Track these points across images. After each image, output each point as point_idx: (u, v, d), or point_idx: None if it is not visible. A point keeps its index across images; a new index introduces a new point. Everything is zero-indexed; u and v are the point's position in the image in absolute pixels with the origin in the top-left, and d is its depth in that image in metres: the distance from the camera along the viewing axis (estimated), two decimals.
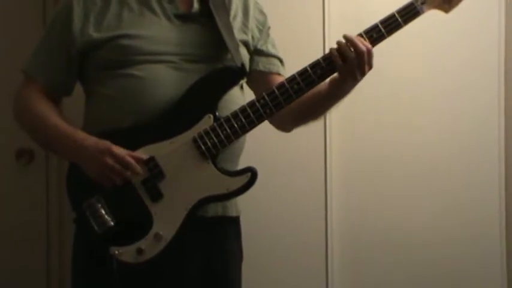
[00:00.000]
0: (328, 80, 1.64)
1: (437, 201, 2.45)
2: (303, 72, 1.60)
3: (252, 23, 1.80)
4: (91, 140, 1.58)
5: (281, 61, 1.86)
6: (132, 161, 1.55)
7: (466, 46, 2.45)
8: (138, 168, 1.56)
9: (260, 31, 1.82)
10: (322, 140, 2.44)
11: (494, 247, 2.46)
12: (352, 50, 1.57)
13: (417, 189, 2.46)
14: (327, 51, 2.33)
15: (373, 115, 2.45)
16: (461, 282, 2.45)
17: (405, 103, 2.46)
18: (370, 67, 1.60)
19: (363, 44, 1.58)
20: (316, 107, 1.75)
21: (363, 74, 1.60)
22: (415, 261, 2.44)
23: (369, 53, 1.58)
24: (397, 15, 1.60)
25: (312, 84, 1.60)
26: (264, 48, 1.83)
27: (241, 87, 1.77)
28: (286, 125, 1.84)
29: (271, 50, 1.84)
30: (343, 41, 1.59)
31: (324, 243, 2.44)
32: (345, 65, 1.58)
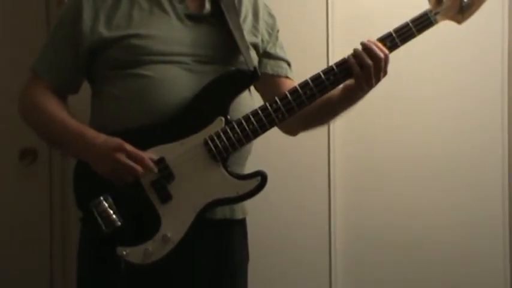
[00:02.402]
0: (341, 86, 1.64)
1: (440, 201, 2.47)
2: (316, 78, 1.60)
3: (261, 26, 1.80)
4: (101, 138, 1.58)
5: (289, 64, 1.86)
6: (145, 157, 1.55)
7: (468, 46, 2.47)
8: (151, 164, 1.55)
9: (269, 34, 1.82)
10: (326, 141, 2.45)
11: (497, 247, 2.47)
12: (369, 57, 1.57)
13: (420, 189, 2.47)
14: (330, 52, 2.41)
15: (376, 116, 2.45)
16: (464, 282, 2.47)
17: (407, 104, 2.47)
18: (385, 73, 1.61)
19: (381, 50, 1.58)
20: (325, 113, 1.75)
21: (378, 80, 1.61)
22: (418, 261, 2.46)
23: (386, 59, 1.59)
24: (410, 24, 1.60)
25: (324, 90, 1.60)
26: (272, 51, 1.83)
27: (249, 89, 1.76)
28: (293, 129, 1.85)
29: (280, 53, 1.84)
30: (360, 47, 1.58)
31: (328, 243, 2.45)
32: (362, 72, 1.58)
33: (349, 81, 1.63)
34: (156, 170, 1.56)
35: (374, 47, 1.57)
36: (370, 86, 1.61)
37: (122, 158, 1.53)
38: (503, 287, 2.46)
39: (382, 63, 1.58)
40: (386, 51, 1.59)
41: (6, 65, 2.49)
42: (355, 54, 1.59)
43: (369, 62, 1.57)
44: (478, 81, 2.48)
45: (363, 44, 1.59)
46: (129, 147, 1.54)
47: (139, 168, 1.54)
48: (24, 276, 2.47)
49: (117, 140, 1.55)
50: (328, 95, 1.64)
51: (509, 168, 2.48)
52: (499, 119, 2.47)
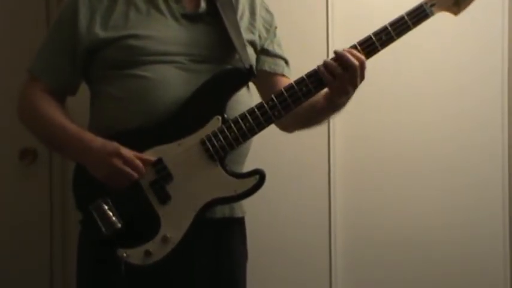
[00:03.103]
0: (322, 92, 1.62)
1: (440, 201, 2.46)
2: (311, 75, 1.59)
3: (259, 23, 1.79)
4: (98, 141, 1.57)
5: (286, 62, 1.86)
6: (141, 164, 1.55)
7: (469, 45, 2.46)
8: (146, 171, 1.56)
9: (267, 31, 1.82)
10: (326, 141, 2.45)
11: (497, 247, 2.47)
12: (342, 66, 1.54)
13: (420, 188, 2.47)
14: (330, 51, 2.38)
15: (375, 114, 2.45)
16: (464, 282, 2.46)
17: (408, 102, 2.47)
18: (362, 79, 1.58)
19: (356, 58, 1.55)
20: (315, 116, 1.75)
21: (355, 87, 1.58)
22: (418, 260, 2.45)
23: (362, 66, 1.56)
24: (406, 17, 1.59)
25: (321, 86, 1.59)
26: (270, 48, 1.83)
27: (248, 87, 1.75)
28: (289, 127, 1.84)
29: (277, 51, 1.84)
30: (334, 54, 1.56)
31: (328, 243, 2.45)
32: (334, 81, 1.56)
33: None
34: (150, 174, 1.56)
35: (348, 55, 1.55)
36: (347, 94, 1.59)
37: (118, 163, 1.54)
38: (503, 287, 2.46)
39: (358, 71, 1.55)
40: (362, 57, 1.56)
41: (6, 65, 2.50)
42: (325, 63, 1.57)
43: (339, 71, 1.54)
44: (478, 79, 2.47)
45: (336, 53, 1.56)
46: (125, 152, 1.55)
47: (134, 174, 1.54)
48: (24, 276, 2.47)
49: (114, 145, 1.55)
50: (314, 100, 1.63)
51: (509, 168, 2.48)
52: (499, 118, 2.47)
